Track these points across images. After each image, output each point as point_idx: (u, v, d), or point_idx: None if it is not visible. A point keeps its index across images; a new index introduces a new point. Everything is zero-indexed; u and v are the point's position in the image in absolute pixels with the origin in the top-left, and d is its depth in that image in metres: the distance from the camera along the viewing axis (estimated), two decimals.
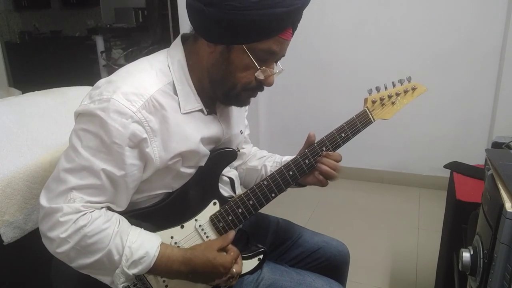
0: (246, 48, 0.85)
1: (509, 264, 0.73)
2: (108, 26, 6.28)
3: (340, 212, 2.62)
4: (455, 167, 1.52)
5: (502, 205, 0.73)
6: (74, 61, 5.87)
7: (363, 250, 2.13)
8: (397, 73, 1.12)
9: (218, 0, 0.80)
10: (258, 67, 0.88)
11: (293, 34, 0.90)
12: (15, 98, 1.27)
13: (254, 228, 1.17)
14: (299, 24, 0.91)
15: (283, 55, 0.92)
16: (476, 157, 2.13)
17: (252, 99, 0.98)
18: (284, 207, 2.61)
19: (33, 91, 1.31)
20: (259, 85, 0.92)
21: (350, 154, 3.02)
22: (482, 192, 0.90)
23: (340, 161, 1.02)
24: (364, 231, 2.37)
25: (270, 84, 0.92)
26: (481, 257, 0.81)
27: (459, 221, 1.26)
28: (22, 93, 1.33)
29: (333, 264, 1.15)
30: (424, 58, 2.66)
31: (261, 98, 3.03)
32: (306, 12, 0.89)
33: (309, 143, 1.02)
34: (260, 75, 0.89)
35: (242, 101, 0.96)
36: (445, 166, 1.56)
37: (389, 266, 2.04)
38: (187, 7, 0.89)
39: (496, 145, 1.21)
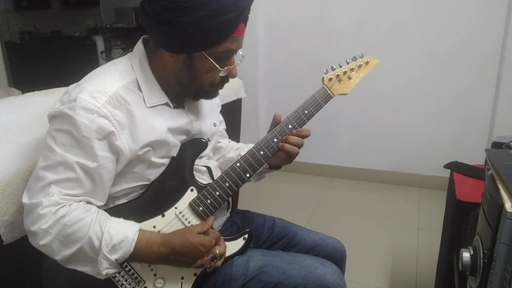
0: (205, 53, 0.92)
1: (509, 264, 0.73)
2: (108, 26, 6.28)
3: (340, 212, 2.62)
4: (455, 167, 1.52)
5: (502, 205, 0.73)
6: (74, 61, 5.87)
7: (363, 250, 2.13)
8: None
9: (170, 17, 0.86)
10: (220, 69, 0.94)
11: (246, 25, 0.94)
12: (15, 98, 1.27)
13: (250, 226, 1.19)
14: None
15: (241, 47, 0.97)
16: (476, 157, 2.13)
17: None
18: (284, 207, 2.62)
19: (33, 91, 1.31)
20: (225, 79, 0.99)
21: (350, 154, 3.04)
22: (482, 192, 0.90)
23: (309, 136, 1.07)
24: (364, 231, 2.37)
25: (234, 76, 0.99)
26: (481, 257, 0.81)
27: (459, 221, 1.26)
28: (22, 93, 1.33)
29: (330, 261, 1.15)
30: (424, 58, 2.66)
31: (261, 98, 3.05)
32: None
33: (276, 122, 1.07)
34: (223, 74, 0.96)
35: (211, 95, 1.03)
36: (445, 166, 1.56)
37: (389, 266, 2.04)
38: (142, 23, 0.93)
39: (496, 145, 1.21)
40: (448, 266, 1.36)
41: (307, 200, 2.74)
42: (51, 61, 6.02)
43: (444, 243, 1.52)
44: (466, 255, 0.85)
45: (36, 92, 1.30)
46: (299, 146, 1.05)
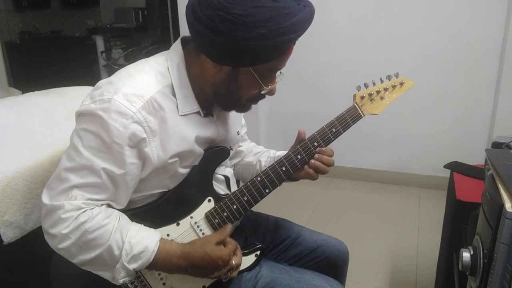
0: (252, 69, 0.89)
1: (509, 264, 0.73)
2: (108, 26, 6.27)
3: (340, 212, 2.62)
4: (455, 167, 1.52)
5: (502, 205, 0.73)
6: (74, 61, 5.87)
7: (363, 250, 2.13)
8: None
9: (225, 29, 0.81)
10: (264, 87, 0.92)
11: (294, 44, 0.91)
12: (15, 98, 1.27)
13: (253, 227, 1.18)
14: None
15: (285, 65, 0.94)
16: (476, 157, 2.13)
17: None
18: (284, 207, 2.62)
19: (33, 91, 1.32)
20: (263, 95, 0.96)
21: (350, 154, 3.04)
22: (482, 192, 0.90)
23: (332, 155, 1.04)
24: (364, 231, 2.37)
25: (273, 94, 0.97)
26: (481, 257, 0.81)
27: (459, 221, 1.26)
28: (22, 93, 1.33)
29: (333, 262, 1.16)
30: (424, 58, 2.67)
31: None
32: None
33: (300, 139, 1.04)
34: (265, 91, 0.94)
35: (245, 109, 1.00)
36: (445, 166, 1.56)
37: (389, 266, 2.04)
38: (189, 26, 0.89)
39: (496, 145, 1.21)
40: (448, 266, 1.36)
41: (307, 200, 2.74)
42: (51, 61, 6.01)
43: (444, 243, 1.52)
44: (466, 255, 0.85)
45: (36, 92, 1.31)
46: (329, 165, 1.03)
